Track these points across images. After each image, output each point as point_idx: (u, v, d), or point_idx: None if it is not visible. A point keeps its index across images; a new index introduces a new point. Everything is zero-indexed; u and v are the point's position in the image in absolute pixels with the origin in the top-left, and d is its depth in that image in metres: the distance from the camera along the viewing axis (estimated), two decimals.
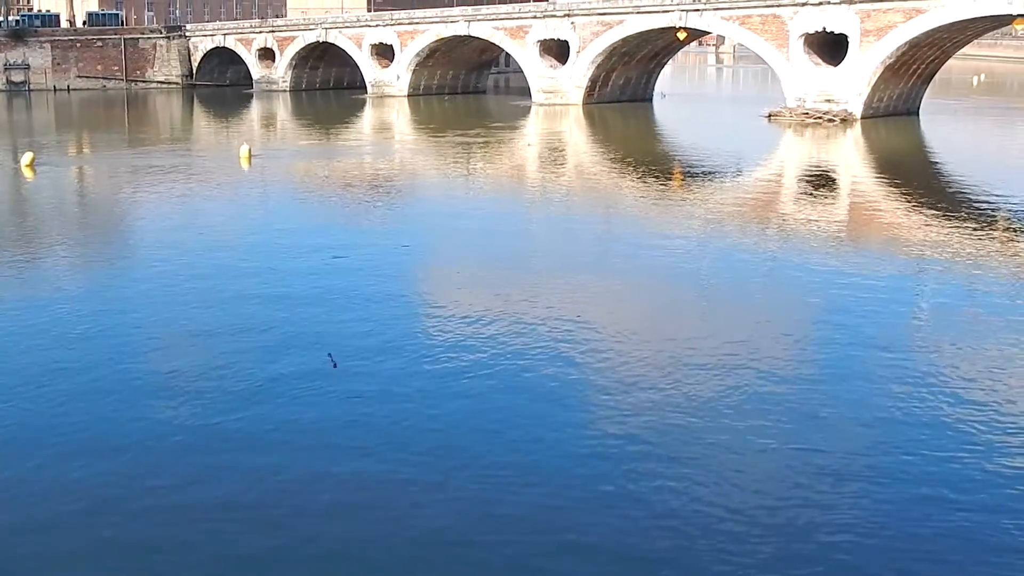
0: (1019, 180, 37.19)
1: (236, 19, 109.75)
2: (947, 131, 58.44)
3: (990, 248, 24.76)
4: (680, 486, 11.65)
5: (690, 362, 15.80)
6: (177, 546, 10.44)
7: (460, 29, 74.13)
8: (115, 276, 22.61)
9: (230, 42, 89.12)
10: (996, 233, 26.80)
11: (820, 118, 55.78)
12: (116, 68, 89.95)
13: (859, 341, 17.00)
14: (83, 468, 12.14)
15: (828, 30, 56.33)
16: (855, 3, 55.01)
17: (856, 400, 14.36)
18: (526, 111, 66.61)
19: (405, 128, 61.27)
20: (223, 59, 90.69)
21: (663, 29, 64.48)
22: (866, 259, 23.51)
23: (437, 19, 76.36)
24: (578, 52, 67.74)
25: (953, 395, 14.46)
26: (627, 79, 72.11)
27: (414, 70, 78.21)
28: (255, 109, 73.28)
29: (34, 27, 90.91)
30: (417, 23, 77.24)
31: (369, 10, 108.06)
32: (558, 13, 68.68)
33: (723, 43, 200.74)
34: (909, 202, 32.22)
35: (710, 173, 39.66)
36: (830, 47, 57.03)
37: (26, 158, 39.58)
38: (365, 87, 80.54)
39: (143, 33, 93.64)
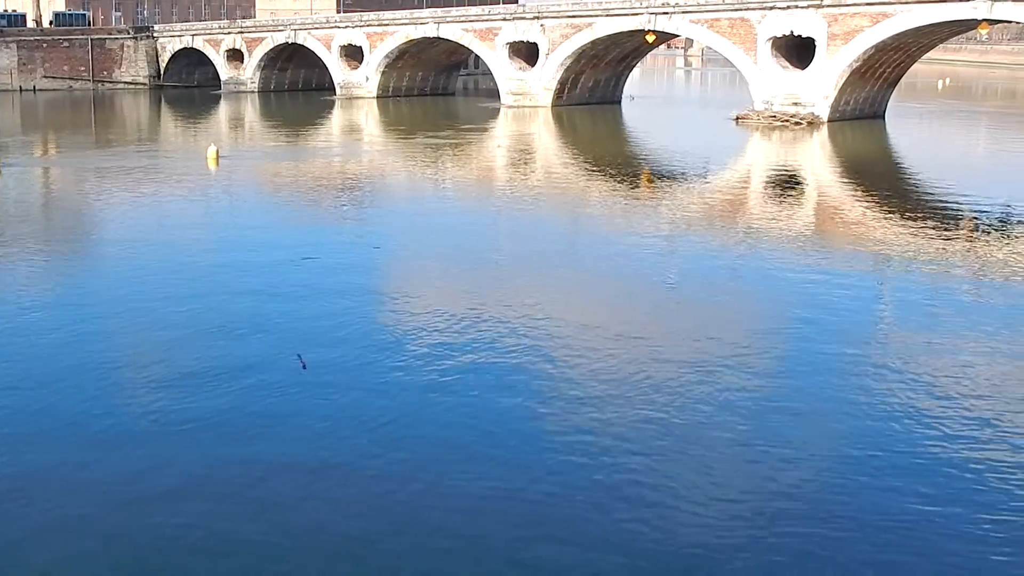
0: (982, 182, 37.59)
1: (204, 20, 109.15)
2: (912, 134, 59.00)
3: (953, 248, 25.03)
4: (648, 478, 11.74)
5: (658, 359, 15.88)
6: (124, 537, 10.43)
7: (429, 31, 74.12)
8: (81, 277, 22.48)
9: (198, 43, 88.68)
10: (959, 234, 27.11)
11: (787, 121, 56.15)
12: (83, 69, 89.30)
13: (825, 338, 17.18)
14: (46, 461, 12.08)
15: (796, 34, 56.75)
16: (822, 7, 55.44)
17: (822, 395, 14.55)
18: (495, 113, 66.68)
19: (374, 130, 61.19)
20: (191, 60, 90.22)
21: (632, 32, 64.73)
22: (831, 259, 23.72)
23: (406, 21, 76.31)
24: (547, 54, 67.88)
25: (916, 389, 14.66)
26: (596, 81, 72.32)
27: (383, 72, 78.13)
28: (223, 110, 72.94)
29: None
30: (386, 25, 77.15)
31: (338, 11, 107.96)
32: (527, 15, 68.81)
33: (691, 46, 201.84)
34: (874, 204, 32.51)
35: (678, 175, 39.85)
36: (798, 50, 57.45)
37: None
38: (334, 89, 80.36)
39: (110, 33, 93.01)
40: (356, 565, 10.17)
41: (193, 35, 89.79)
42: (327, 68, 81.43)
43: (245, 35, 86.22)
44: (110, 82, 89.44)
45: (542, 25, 67.74)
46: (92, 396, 14.41)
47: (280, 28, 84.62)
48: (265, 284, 20.81)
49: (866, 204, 32.91)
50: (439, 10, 78.24)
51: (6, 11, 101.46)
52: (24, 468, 12.14)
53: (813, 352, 16.61)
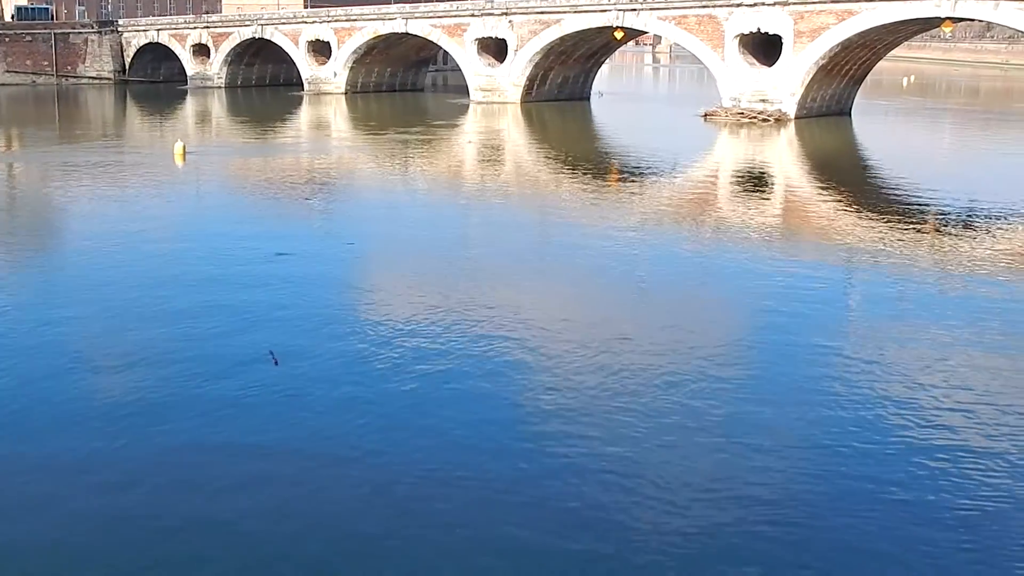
0: (945, 178, 37.97)
1: (170, 14, 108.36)
2: (878, 131, 59.48)
3: (917, 243, 25.27)
4: (617, 475, 11.78)
5: (625, 355, 15.94)
6: (93, 548, 10.38)
7: (398, 26, 73.95)
8: (44, 273, 22.24)
9: (164, 38, 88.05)
10: (924, 228, 27.38)
11: (755, 118, 56.47)
12: (46, 63, 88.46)
13: (793, 330, 17.31)
14: (10, 465, 12.00)
15: (763, 31, 57.07)
16: (789, 4, 55.78)
17: (789, 385, 14.69)
18: (464, 109, 66.64)
19: (343, 126, 60.99)
20: (157, 55, 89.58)
21: (600, 28, 64.89)
22: (799, 254, 23.90)
23: (375, 16, 76.11)
24: (516, 50, 67.92)
25: (883, 379, 14.82)
26: (565, 78, 72.43)
27: (351, 67, 77.91)
28: (190, 106, 72.48)
29: None
30: (355, 20, 76.90)
31: (306, 6, 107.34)
32: (496, 11, 68.78)
33: (660, 43, 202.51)
34: (841, 200, 32.76)
35: (646, 172, 39.98)
36: (765, 48, 57.78)
37: None
38: (302, 84, 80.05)
39: (74, 28, 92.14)
40: (323, 549, 10.17)
41: (159, 30, 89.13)
42: (295, 64, 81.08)
43: (211, 30, 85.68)
44: (74, 77, 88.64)
45: (511, 21, 67.75)
46: (53, 389, 14.30)
47: (247, 23, 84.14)
48: (236, 279, 20.70)
49: (833, 200, 33.15)
50: (407, 6, 78.12)
51: None
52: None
53: (781, 344, 16.74)
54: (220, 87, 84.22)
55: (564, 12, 65.69)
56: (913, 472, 12.05)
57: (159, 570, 9.93)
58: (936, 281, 21.42)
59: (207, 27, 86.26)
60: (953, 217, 29.38)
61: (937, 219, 29.21)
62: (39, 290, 20.32)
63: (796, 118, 56.59)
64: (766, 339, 17.22)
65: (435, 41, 73.59)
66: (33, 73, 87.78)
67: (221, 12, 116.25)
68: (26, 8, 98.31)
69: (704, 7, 59.19)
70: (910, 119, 68.95)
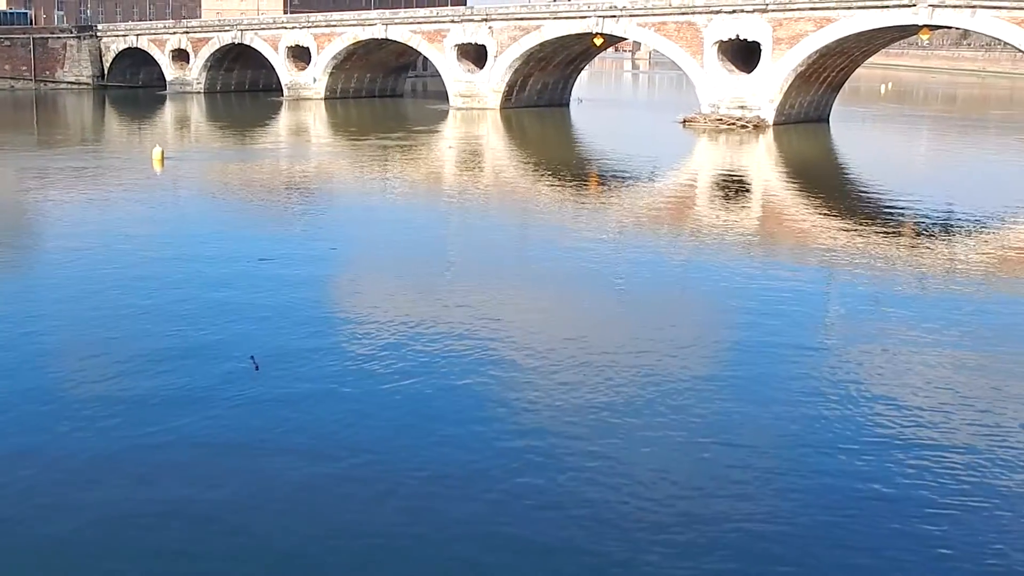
0: (923, 184, 38.24)
1: (149, 20, 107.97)
2: (856, 137, 59.79)
3: (895, 249, 25.43)
4: (596, 479, 11.83)
5: (605, 361, 15.98)
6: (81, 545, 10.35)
7: (377, 32, 73.91)
8: (22, 279, 22.12)
9: (143, 43, 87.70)
10: (902, 234, 27.56)
11: (733, 124, 56.67)
12: (24, 68, 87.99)
13: (772, 335, 17.41)
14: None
15: (741, 38, 57.29)
16: (768, 11, 56.05)
17: (767, 395, 14.73)
18: (444, 115, 66.65)
19: (323, 131, 60.88)
20: (136, 60, 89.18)
21: (580, 35, 65.00)
22: (777, 261, 24.03)
23: (354, 22, 76.03)
24: (496, 57, 67.97)
25: (859, 389, 14.91)
26: (544, 84, 72.54)
27: (331, 73, 77.78)
28: (168, 111, 72.20)
29: None
30: (334, 26, 76.80)
31: (285, 12, 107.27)
32: (476, 17, 68.84)
33: (639, 49, 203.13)
34: (819, 206, 32.93)
35: (626, 178, 40.09)
36: (743, 54, 58.01)
37: None
38: (281, 90, 79.86)
39: (53, 32, 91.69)
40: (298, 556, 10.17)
41: (138, 35, 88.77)
42: (274, 69, 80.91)
43: (191, 35, 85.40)
44: (53, 82, 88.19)
45: (490, 27, 67.82)
46: (30, 398, 14.23)
47: (226, 28, 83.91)
48: (216, 284, 20.65)
49: (811, 206, 33.32)
50: (387, 11, 78.08)
51: None
52: None
53: (759, 347, 16.85)
54: (199, 92, 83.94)
55: (544, 18, 65.81)
56: (891, 470, 12.22)
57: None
58: (913, 285, 21.59)
59: (186, 32, 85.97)
60: (930, 222, 29.58)
61: (915, 224, 29.41)
62: (13, 296, 20.16)
63: (774, 125, 56.83)
64: (744, 343, 17.32)
65: (415, 47, 73.57)
66: (11, 78, 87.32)
67: (200, 17, 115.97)
68: (4, 13, 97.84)
69: (683, 14, 59.40)
70: (888, 126, 69.35)
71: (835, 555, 10.44)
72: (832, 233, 27.83)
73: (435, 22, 71.51)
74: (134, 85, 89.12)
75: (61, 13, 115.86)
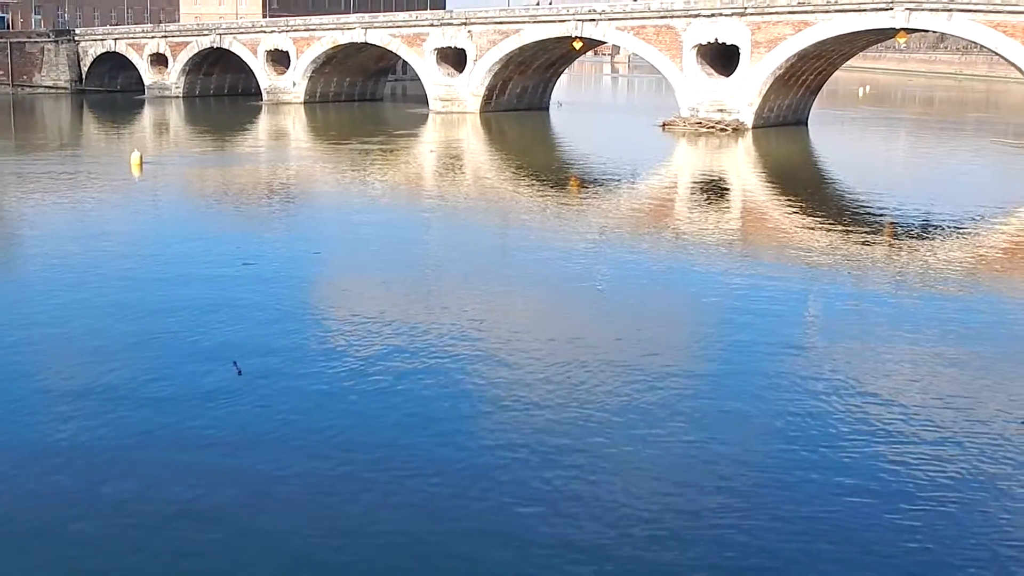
0: (901, 186, 38.45)
1: (127, 24, 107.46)
2: (834, 140, 60.08)
3: (873, 251, 25.57)
4: (578, 475, 11.88)
5: (587, 363, 16.02)
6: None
7: (357, 36, 73.80)
8: None
9: (121, 47, 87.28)
10: (880, 236, 27.72)
11: (713, 127, 56.86)
12: (1, 72, 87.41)
13: (752, 338, 17.50)
14: None
15: (720, 41, 57.50)
16: (746, 15, 56.28)
17: (748, 395, 14.81)
18: (423, 119, 66.60)
19: (303, 136, 60.74)
20: (114, 64, 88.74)
21: (559, 38, 65.09)
22: (757, 263, 24.12)
23: (333, 26, 75.91)
24: (475, 60, 67.99)
25: (839, 389, 15.00)
26: (524, 88, 72.59)
27: (310, 77, 77.61)
28: (147, 115, 71.90)
29: None
30: (313, 30, 76.66)
31: (264, 16, 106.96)
32: (455, 21, 68.83)
33: (618, 53, 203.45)
34: (799, 209, 33.06)
35: (606, 181, 40.16)
36: (722, 58, 58.22)
37: None
38: (261, 94, 79.63)
39: (30, 36, 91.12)
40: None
41: (116, 39, 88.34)
42: (253, 73, 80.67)
43: (169, 39, 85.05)
44: (30, 86, 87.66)
45: (469, 31, 67.83)
46: (7, 405, 14.17)
47: (205, 32, 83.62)
48: (199, 289, 20.59)
49: (790, 208, 33.46)
50: (366, 15, 77.98)
51: None
52: None
53: (740, 351, 16.91)
54: (178, 96, 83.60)
55: (523, 22, 65.88)
56: (869, 467, 12.35)
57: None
58: (892, 285, 21.74)
59: (165, 36, 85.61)
60: (908, 224, 29.77)
61: (893, 226, 29.59)
62: None
63: (753, 128, 57.06)
64: (724, 344, 17.39)
65: (394, 51, 73.49)
66: None
67: (179, 21, 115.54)
68: None
69: (662, 17, 59.57)
70: (866, 128, 69.69)
71: (816, 547, 10.55)
72: (811, 235, 27.96)
73: (414, 26, 71.49)
74: (112, 89, 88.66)
75: (38, 17, 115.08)
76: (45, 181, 37.67)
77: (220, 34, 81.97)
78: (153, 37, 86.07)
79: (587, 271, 23.12)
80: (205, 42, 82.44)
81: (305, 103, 76.94)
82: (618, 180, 40.45)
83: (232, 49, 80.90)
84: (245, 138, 58.11)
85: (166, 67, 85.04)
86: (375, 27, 73.30)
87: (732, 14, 56.67)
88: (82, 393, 14.66)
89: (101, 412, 13.92)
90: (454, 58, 69.55)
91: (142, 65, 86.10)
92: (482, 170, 44.96)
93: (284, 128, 64.00)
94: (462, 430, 13.54)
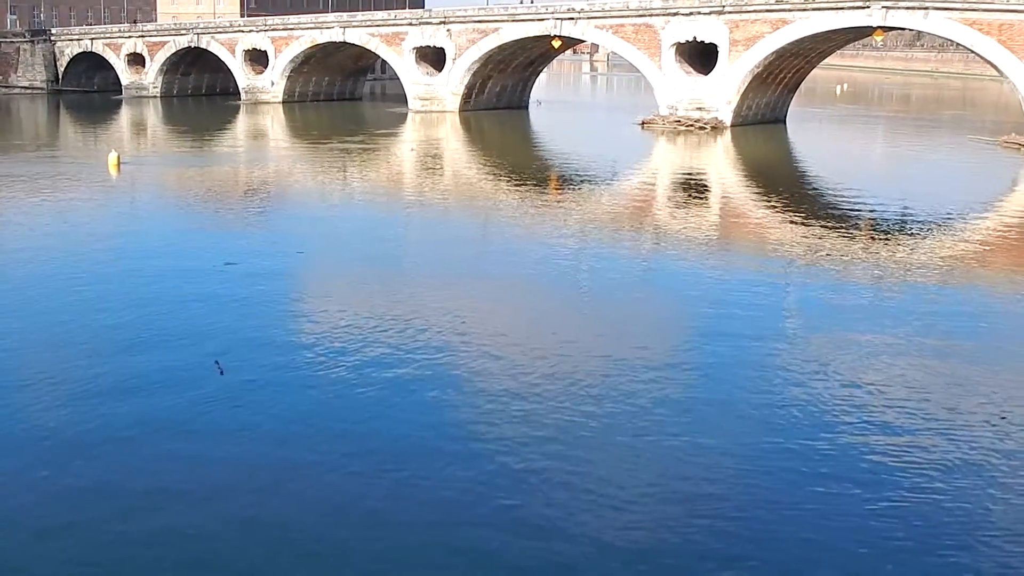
0: (878, 183, 38.65)
1: (104, 24, 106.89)
2: (812, 138, 60.38)
3: (851, 248, 25.69)
4: (566, 467, 11.90)
5: (567, 360, 16.04)
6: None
7: (335, 35, 73.64)
8: None
9: (98, 47, 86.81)
10: (858, 233, 27.86)
11: (692, 126, 57.03)
12: None
13: (732, 334, 17.56)
14: None
15: (699, 39, 57.66)
16: (724, 13, 56.45)
17: (728, 391, 14.89)
18: (403, 118, 66.52)
19: (282, 135, 60.56)
20: (91, 64, 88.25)
21: (538, 37, 65.15)
22: (737, 260, 24.23)
23: (312, 25, 75.72)
24: (454, 59, 67.96)
25: (819, 380, 15.12)
26: (503, 86, 72.61)
27: (289, 76, 77.39)
28: (124, 115, 71.53)
29: None
30: (291, 29, 76.45)
31: (242, 16, 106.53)
32: (434, 20, 68.78)
33: (597, 51, 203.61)
34: (777, 206, 33.19)
35: (585, 180, 40.21)
36: (701, 56, 58.39)
37: None
38: (239, 93, 79.35)
39: (5, 37, 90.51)
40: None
41: (92, 39, 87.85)
42: (231, 73, 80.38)
43: (147, 39, 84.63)
44: (5, 87, 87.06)
45: (448, 30, 67.79)
46: None
47: (183, 32, 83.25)
48: (179, 289, 20.50)
49: (769, 206, 33.59)
50: (345, 14, 77.78)
51: None
52: None
53: (720, 347, 16.98)
54: (156, 96, 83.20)
55: (502, 21, 65.89)
56: (849, 466, 12.41)
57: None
58: (871, 285, 21.85)
59: (142, 36, 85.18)
60: (886, 220, 29.95)
61: (870, 223, 29.76)
62: None
63: (732, 126, 57.25)
64: (705, 342, 17.45)
65: (373, 50, 73.37)
66: None
67: (156, 21, 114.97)
68: None
69: (641, 16, 59.70)
70: (844, 126, 70.03)
71: (796, 538, 10.63)
72: (790, 233, 28.08)
73: (393, 25, 71.40)
74: (89, 90, 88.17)
75: (14, 17, 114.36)
76: (20, 181, 37.36)
77: (198, 33, 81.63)
78: (130, 37, 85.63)
79: (568, 268, 23.14)
80: (183, 42, 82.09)
81: (284, 103, 76.72)
82: (598, 179, 40.50)
83: (210, 49, 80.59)
84: (224, 138, 57.89)
85: (143, 67, 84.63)
86: (354, 26, 73.15)
87: (710, 12, 56.85)
88: (60, 396, 14.59)
89: (72, 412, 13.86)
90: (433, 57, 69.50)
91: (119, 65, 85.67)
92: (462, 169, 44.94)
93: (263, 128, 63.79)
94: (444, 421, 13.59)
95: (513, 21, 65.28)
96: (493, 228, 29.50)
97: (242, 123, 66.06)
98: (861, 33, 59.35)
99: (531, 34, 64.82)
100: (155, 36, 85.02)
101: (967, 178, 43.00)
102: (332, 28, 73.97)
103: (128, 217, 30.98)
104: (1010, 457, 12.77)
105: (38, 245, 25.26)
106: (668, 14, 58.44)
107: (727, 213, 33.30)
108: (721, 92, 57.45)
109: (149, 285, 20.90)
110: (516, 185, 37.92)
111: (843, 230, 28.18)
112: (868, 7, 52.16)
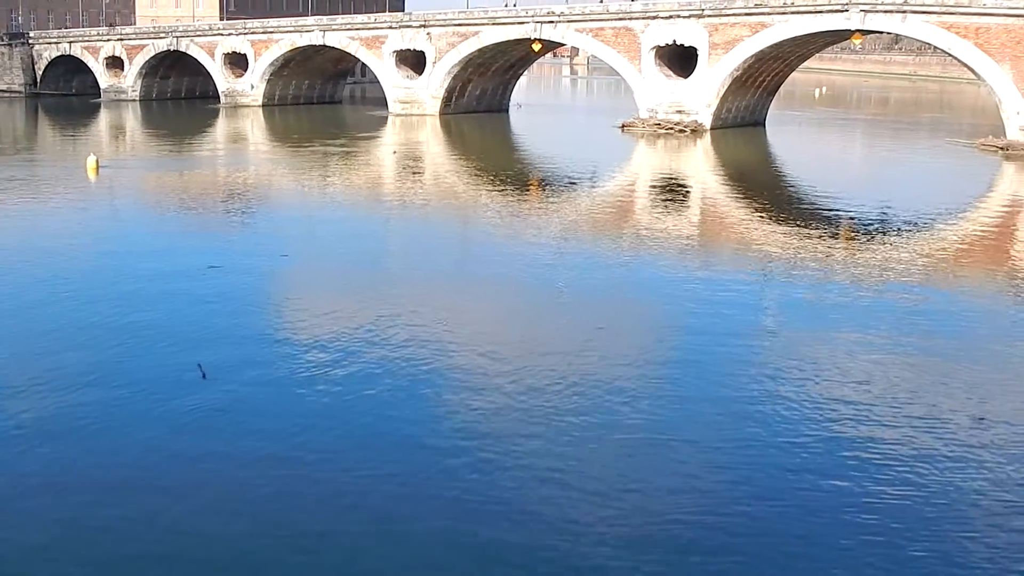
0: (857, 185, 38.88)
1: (82, 27, 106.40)
2: (791, 141, 60.65)
3: (829, 249, 25.83)
4: (550, 466, 11.93)
5: (547, 361, 16.07)
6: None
7: (315, 39, 73.51)
8: None
9: (76, 50, 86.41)
10: (837, 235, 28.00)
11: (671, 129, 57.19)
12: None
13: (712, 335, 17.65)
14: None
15: (678, 43, 57.84)
16: (704, 17, 56.66)
17: (710, 386, 15.03)
18: (383, 121, 66.46)
19: (262, 139, 60.38)
20: (69, 67, 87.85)
21: (518, 40, 65.22)
22: (717, 262, 24.33)
23: (291, 28, 75.56)
24: (434, 63, 67.94)
25: (799, 379, 15.20)
26: (483, 90, 72.63)
27: (268, 80, 77.19)
28: (103, 119, 71.20)
29: None
30: (271, 32, 76.27)
31: (221, 19, 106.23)
32: (414, 23, 68.75)
33: (577, 55, 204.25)
34: (756, 208, 33.34)
35: (566, 182, 40.28)
36: (680, 59, 58.57)
37: None
38: (218, 97, 79.10)
39: None
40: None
41: (71, 42, 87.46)
42: (211, 76, 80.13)
43: (125, 42, 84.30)
44: None
45: (428, 33, 67.79)
46: None
47: (162, 35, 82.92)
48: (161, 292, 20.43)
49: (749, 208, 33.74)
50: (325, 18, 77.65)
51: None
52: None
53: (700, 348, 17.06)
54: (135, 100, 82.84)
55: (482, 24, 65.92)
56: (830, 463, 12.52)
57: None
58: (848, 282, 22.00)
59: (121, 39, 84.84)
60: (865, 223, 30.11)
61: (849, 225, 29.92)
62: None
63: (711, 129, 57.46)
64: (684, 343, 17.53)
65: (353, 53, 73.25)
66: None
67: (135, 24, 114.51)
68: None
69: (621, 19, 59.86)
70: (822, 129, 70.37)
71: (779, 544, 10.69)
72: (771, 235, 28.22)
73: (373, 28, 71.34)
74: (67, 93, 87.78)
75: None
76: None
77: (177, 37, 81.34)
78: (109, 40, 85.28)
79: (548, 270, 23.17)
80: (162, 45, 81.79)
81: (263, 106, 76.53)
82: (578, 181, 40.57)
83: (189, 52, 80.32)
84: (203, 141, 57.71)
85: (122, 70, 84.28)
86: (333, 29, 73.03)
87: (690, 16, 57.04)
88: (37, 402, 14.53)
89: (56, 415, 13.80)
90: (413, 60, 69.46)
91: (98, 68, 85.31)
92: (444, 172, 44.94)
93: (243, 131, 63.60)
94: (425, 420, 13.62)
95: (493, 24, 65.33)
96: (475, 231, 29.52)
97: (222, 126, 65.86)
98: (840, 36, 59.67)
99: (511, 37, 64.89)
100: (134, 39, 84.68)
101: (945, 180, 43.27)
102: (312, 31, 73.84)
103: (107, 220, 30.83)
104: (988, 450, 12.94)
105: (12, 247, 25.08)
106: (648, 18, 58.60)
107: (707, 215, 33.42)
108: (701, 95, 57.64)
109: (130, 288, 20.82)
110: (497, 188, 37.95)
111: (822, 232, 28.33)
112: (847, 11, 52.46)
